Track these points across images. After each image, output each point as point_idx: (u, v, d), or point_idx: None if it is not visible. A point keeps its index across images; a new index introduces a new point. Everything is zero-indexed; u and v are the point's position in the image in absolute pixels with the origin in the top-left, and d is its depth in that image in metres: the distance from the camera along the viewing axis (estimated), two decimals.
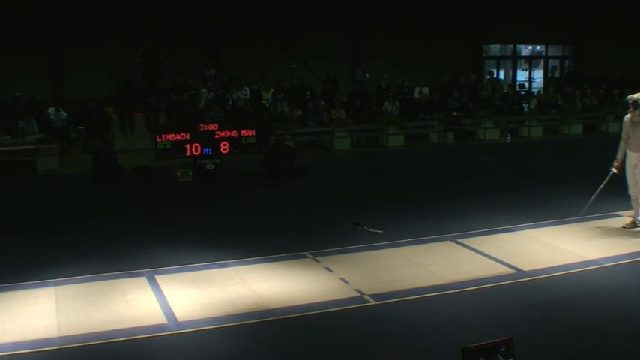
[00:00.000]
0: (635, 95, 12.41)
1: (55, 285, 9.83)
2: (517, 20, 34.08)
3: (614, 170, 12.69)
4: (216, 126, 19.13)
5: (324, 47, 30.58)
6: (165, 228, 13.39)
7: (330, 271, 10.53)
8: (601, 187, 12.87)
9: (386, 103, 26.88)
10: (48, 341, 7.98)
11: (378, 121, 26.34)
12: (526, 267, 10.57)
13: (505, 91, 31.51)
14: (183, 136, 18.55)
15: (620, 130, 13.18)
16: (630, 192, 12.71)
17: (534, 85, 38.44)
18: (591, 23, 36.05)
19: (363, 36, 32.63)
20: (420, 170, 20.60)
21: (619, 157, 12.72)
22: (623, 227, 12.72)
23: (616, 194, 14.13)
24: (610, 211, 13.95)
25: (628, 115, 12.63)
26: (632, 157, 12.56)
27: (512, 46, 38.13)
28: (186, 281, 10.04)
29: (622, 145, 12.75)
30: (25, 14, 26.42)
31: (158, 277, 10.17)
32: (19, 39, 25.98)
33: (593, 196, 13.05)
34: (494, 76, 34.06)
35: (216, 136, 18.80)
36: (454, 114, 26.53)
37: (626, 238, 12.08)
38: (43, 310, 8.88)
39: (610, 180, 12.80)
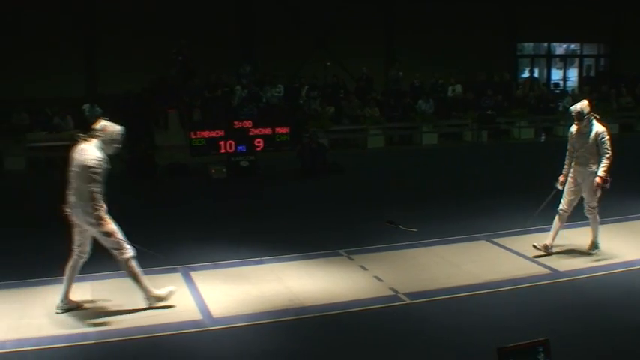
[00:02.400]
0: (579, 106, 10.99)
1: (92, 280, 9.91)
2: (551, 18, 33.77)
3: (558, 186, 11.28)
4: (250, 123, 19.19)
5: (358, 45, 30.51)
6: (199, 224, 13.46)
7: (365, 269, 10.54)
8: (544, 203, 11.48)
9: (420, 101, 26.84)
10: (84, 336, 8.06)
11: (412, 119, 26.30)
12: (562, 267, 10.51)
13: (541, 89, 31.33)
14: (217, 133, 18.63)
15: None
16: (562, 207, 11.18)
17: (569, 83, 38.09)
18: (627, 21, 35.67)
19: (397, 34, 32.53)
20: (454, 169, 20.52)
21: (564, 171, 11.29)
22: (535, 246, 11.21)
23: None
24: None
25: (574, 127, 11.21)
26: (578, 172, 11.09)
27: (546, 44, 37.82)
28: (221, 278, 10.09)
29: (568, 159, 11.34)
30: (59, 11, 26.60)
31: (193, 274, 10.23)
32: (53, 36, 26.13)
33: (538, 210, 11.66)
34: (530, 74, 33.83)
35: (250, 134, 18.87)
36: (488, 112, 26.43)
37: None
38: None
39: (555, 196, 11.43)
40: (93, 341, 7.92)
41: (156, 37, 26.49)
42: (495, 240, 11.97)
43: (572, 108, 11.08)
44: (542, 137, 28.54)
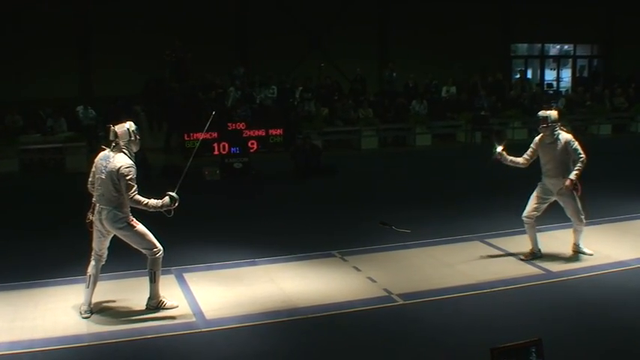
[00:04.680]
0: (548, 112, 10.80)
1: (84, 282, 9.87)
2: (545, 19, 33.81)
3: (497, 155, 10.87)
4: (244, 125, 19.21)
5: (352, 46, 30.53)
6: (192, 226, 13.43)
7: (358, 270, 10.54)
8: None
9: (414, 102, 26.86)
10: (77, 338, 8.05)
11: (406, 121, 26.32)
12: (554, 268, 10.53)
13: (533, 90, 31.36)
14: (211, 135, 18.63)
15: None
16: (526, 213, 10.95)
17: (562, 84, 38.16)
18: (620, 22, 35.73)
19: (391, 35, 32.57)
20: (447, 170, 20.52)
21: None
22: (522, 259, 10.99)
23: None
24: (639, 212, 13.86)
25: (538, 137, 10.96)
26: (552, 184, 10.82)
27: (540, 45, 37.87)
28: (215, 279, 10.09)
29: (520, 158, 11.04)
30: (53, 12, 26.55)
31: (186, 275, 10.23)
32: (47, 37, 26.10)
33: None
34: (522, 76, 33.89)
35: (243, 135, 18.87)
36: (482, 113, 26.43)
37: None
38: (72, 307, 8.94)
39: None
40: (86, 343, 7.92)
41: (150, 39, 26.46)
42: (488, 241, 11.99)
43: (541, 114, 10.85)
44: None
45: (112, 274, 10.21)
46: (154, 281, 8.91)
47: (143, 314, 8.76)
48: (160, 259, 8.87)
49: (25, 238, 12.67)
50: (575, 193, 10.74)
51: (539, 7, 33.51)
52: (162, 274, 9.23)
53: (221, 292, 9.53)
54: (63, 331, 8.23)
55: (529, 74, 36.44)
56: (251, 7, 29.99)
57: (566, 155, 10.66)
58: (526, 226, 11.03)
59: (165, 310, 8.88)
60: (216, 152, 18.74)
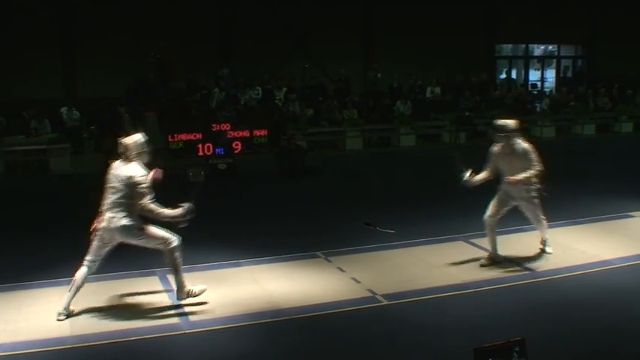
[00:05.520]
0: (506, 121, 10.57)
1: (67, 284, 9.83)
2: (530, 20, 33.97)
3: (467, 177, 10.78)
4: (229, 126, 19.17)
5: (336, 47, 30.56)
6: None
7: (342, 271, 10.53)
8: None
9: (398, 102, 26.88)
10: (61, 340, 8.01)
11: (390, 121, 26.34)
12: (539, 267, 10.55)
13: (518, 90, 31.49)
14: (195, 136, 18.59)
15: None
16: (487, 216, 10.83)
17: (547, 84, 38.32)
18: (604, 23, 35.88)
19: (375, 36, 32.62)
20: (431, 170, 20.52)
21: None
22: (483, 265, 10.74)
23: (631, 193, 14.12)
24: (623, 211, 13.91)
25: (496, 147, 10.74)
26: (508, 190, 10.70)
27: (524, 45, 38.00)
28: (199, 280, 10.04)
29: (484, 174, 10.83)
30: (37, 14, 26.47)
31: (170, 277, 10.18)
32: (31, 38, 26.03)
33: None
34: (508, 76, 34.06)
35: (228, 136, 18.84)
36: (466, 114, 26.50)
37: (639, 239, 11.99)
38: (55, 309, 8.87)
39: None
40: (69, 346, 7.87)
41: (134, 40, 26.41)
42: (472, 241, 12.00)
43: (497, 123, 10.67)
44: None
45: (95, 276, 10.16)
46: (177, 272, 8.99)
47: (126, 316, 8.72)
48: (177, 247, 8.97)
49: (8, 239, 12.57)
50: (534, 200, 10.67)
51: (523, 7, 33.66)
52: (146, 275, 9.21)
53: (205, 294, 9.48)
54: (46, 334, 8.18)
55: (513, 74, 36.56)
56: (235, 8, 29.96)
57: (525, 164, 10.44)
58: (487, 228, 10.90)
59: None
60: (200, 153, 18.70)
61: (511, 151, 10.49)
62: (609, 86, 31.38)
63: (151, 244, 8.95)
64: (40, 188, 18.41)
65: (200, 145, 18.65)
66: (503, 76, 35.25)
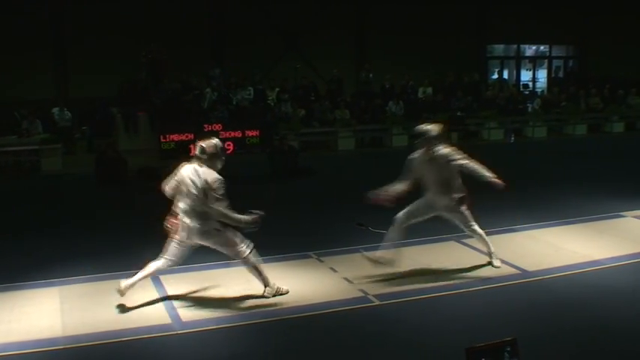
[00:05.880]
0: (429, 126, 10.11)
1: (60, 285, 9.85)
2: (521, 20, 34.04)
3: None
4: (221, 126, 19.18)
5: (328, 47, 30.59)
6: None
7: (334, 271, 10.54)
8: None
9: (390, 103, 26.91)
10: (52, 341, 7.99)
11: (382, 121, 26.36)
12: (530, 267, 10.56)
13: (510, 91, 31.54)
14: (187, 136, 18.58)
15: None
16: (400, 216, 10.52)
17: (538, 85, 38.41)
18: (595, 23, 35.98)
19: (367, 36, 32.66)
20: None
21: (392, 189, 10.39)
22: (368, 258, 10.61)
23: (622, 193, 14.14)
24: (614, 211, 13.95)
25: (417, 154, 10.33)
26: (431, 199, 10.37)
27: (516, 46, 38.08)
28: (191, 281, 10.05)
29: (401, 185, 10.45)
30: (29, 14, 26.43)
31: (162, 277, 10.17)
32: (23, 38, 26.00)
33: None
34: (500, 76, 34.15)
35: (220, 136, 18.82)
36: (458, 114, 26.54)
37: (630, 239, 12.02)
38: (47, 310, 8.89)
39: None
40: (61, 347, 7.86)
41: (126, 40, 26.40)
42: (464, 240, 11.99)
43: (420, 129, 10.15)
44: (512, 138, 28.73)
45: (86, 277, 10.19)
46: (258, 274, 9.31)
47: (118, 317, 8.71)
48: (252, 253, 9.29)
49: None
50: (460, 209, 10.29)
51: (515, 8, 33.71)
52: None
53: (197, 294, 9.50)
54: (38, 335, 8.16)
55: (505, 75, 36.63)
56: (227, 8, 29.94)
57: (449, 171, 10.06)
58: (392, 227, 10.46)
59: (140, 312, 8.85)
60: (192, 154, 18.65)
61: (432, 158, 10.04)
62: (601, 86, 31.44)
63: (225, 250, 9.18)
64: (32, 189, 18.37)
65: (192, 146, 18.61)
66: (495, 76, 35.30)
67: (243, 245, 9.15)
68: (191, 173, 8.89)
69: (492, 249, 10.66)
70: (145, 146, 22.53)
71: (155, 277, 10.05)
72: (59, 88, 27.43)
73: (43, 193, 17.75)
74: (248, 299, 9.33)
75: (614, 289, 9.65)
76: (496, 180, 10.16)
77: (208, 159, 8.94)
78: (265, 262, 10.92)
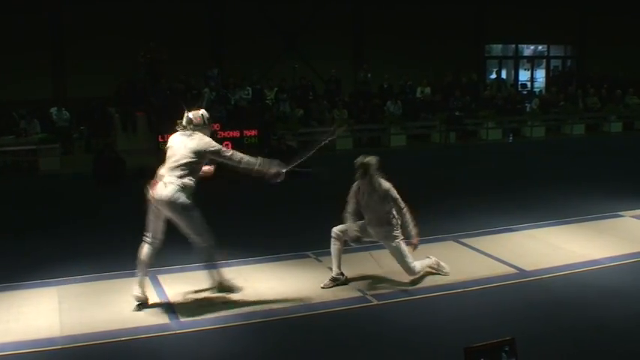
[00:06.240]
0: (367, 159, 10.11)
1: (57, 285, 9.83)
2: (519, 20, 34.02)
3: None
4: (219, 126, 19.13)
5: (327, 47, 30.57)
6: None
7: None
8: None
9: (388, 102, 26.92)
10: (50, 341, 7.98)
11: (380, 121, 26.36)
12: (528, 267, 10.55)
13: (509, 90, 31.56)
14: None
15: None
16: (335, 229, 10.48)
17: (536, 84, 38.41)
18: (594, 23, 35.99)
19: (366, 36, 32.64)
20: (421, 170, 20.56)
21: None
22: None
23: (620, 193, 14.14)
24: (612, 211, 13.95)
25: (356, 184, 10.41)
26: (369, 229, 10.14)
27: (514, 45, 38.08)
28: (189, 281, 10.04)
29: (348, 217, 10.43)
30: (27, 14, 26.40)
31: (160, 277, 10.17)
32: (21, 38, 25.96)
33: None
34: (498, 76, 34.15)
35: (218, 136, 18.80)
36: (456, 114, 26.54)
37: (628, 239, 12.02)
38: (45, 310, 8.88)
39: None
40: (59, 347, 7.85)
41: (124, 40, 26.35)
42: (462, 240, 12.01)
43: (359, 160, 10.17)
44: (510, 138, 28.75)
45: (84, 276, 10.17)
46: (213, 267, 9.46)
47: (116, 317, 8.70)
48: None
49: None
50: (396, 240, 9.94)
51: (513, 8, 33.70)
52: (136, 275, 9.18)
53: (195, 294, 9.49)
54: (36, 334, 8.15)
55: (503, 74, 36.63)
56: (225, 8, 29.93)
57: (386, 204, 9.97)
58: (333, 241, 10.30)
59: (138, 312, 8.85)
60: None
61: (372, 190, 10.00)
62: (598, 86, 31.48)
63: (189, 230, 9.28)
64: (30, 188, 18.35)
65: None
66: (493, 76, 35.27)
67: (207, 235, 9.25)
68: (180, 137, 9.27)
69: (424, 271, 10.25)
70: (143, 146, 22.50)
71: (153, 276, 10.06)
72: (57, 88, 27.37)
73: (40, 193, 17.72)
74: (246, 299, 9.31)
75: (612, 288, 9.65)
76: (414, 240, 9.97)
77: (196, 129, 9.15)
78: (263, 261, 11.00)
